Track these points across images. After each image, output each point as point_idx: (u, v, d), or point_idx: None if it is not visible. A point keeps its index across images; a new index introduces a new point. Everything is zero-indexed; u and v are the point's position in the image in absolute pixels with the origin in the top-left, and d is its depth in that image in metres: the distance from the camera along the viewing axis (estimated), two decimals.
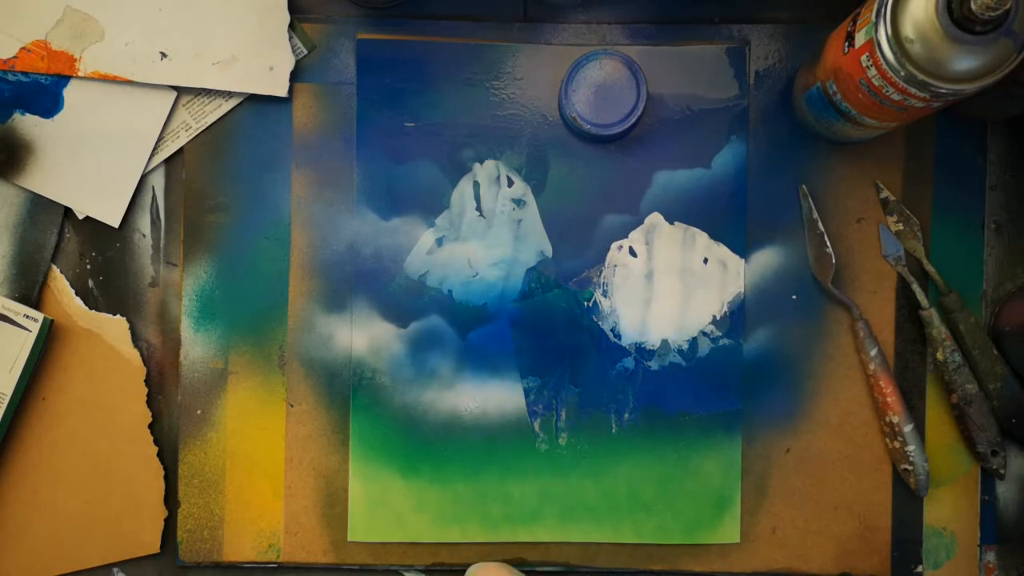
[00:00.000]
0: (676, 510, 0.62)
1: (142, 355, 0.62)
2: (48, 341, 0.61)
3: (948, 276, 0.62)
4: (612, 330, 0.62)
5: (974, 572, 0.62)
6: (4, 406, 0.60)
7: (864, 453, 0.62)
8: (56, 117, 0.61)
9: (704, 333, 0.62)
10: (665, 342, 0.62)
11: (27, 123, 0.61)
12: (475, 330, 0.62)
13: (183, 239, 0.62)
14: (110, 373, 0.62)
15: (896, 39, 0.46)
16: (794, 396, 0.62)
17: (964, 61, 0.45)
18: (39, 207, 0.62)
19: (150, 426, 0.62)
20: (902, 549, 0.62)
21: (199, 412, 0.62)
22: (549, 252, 0.62)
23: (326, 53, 0.62)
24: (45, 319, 0.60)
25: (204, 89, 0.61)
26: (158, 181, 0.63)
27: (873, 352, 0.60)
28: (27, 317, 0.60)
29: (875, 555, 0.62)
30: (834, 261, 0.61)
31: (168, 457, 0.62)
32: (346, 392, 0.62)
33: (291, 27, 0.61)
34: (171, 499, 0.62)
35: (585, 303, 0.62)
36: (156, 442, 0.62)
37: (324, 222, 0.62)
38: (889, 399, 0.60)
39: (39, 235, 0.62)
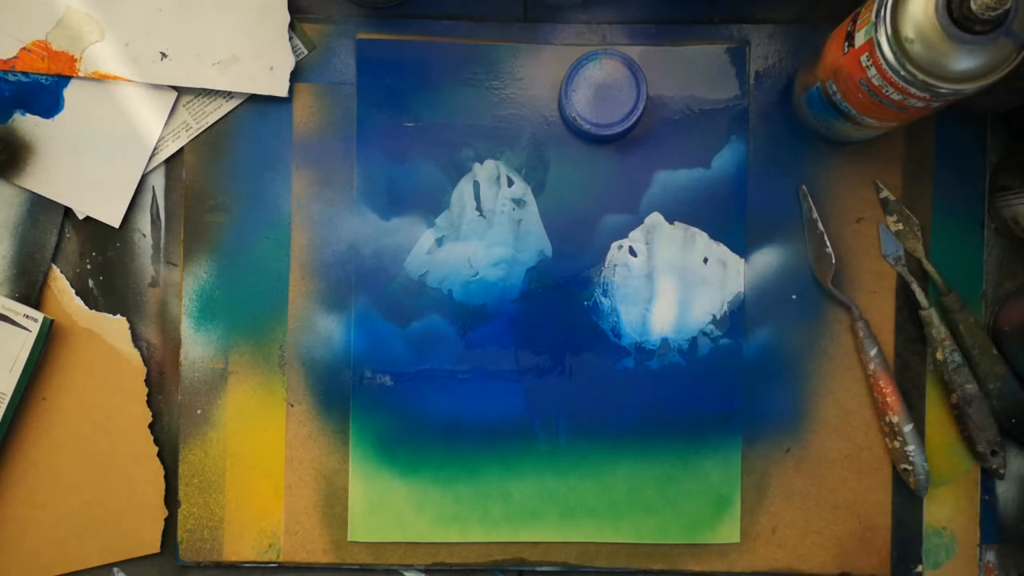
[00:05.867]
0: (676, 510, 0.62)
1: (142, 355, 0.62)
2: (48, 341, 0.61)
3: (948, 276, 0.62)
4: (612, 330, 0.62)
5: (974, 572, 0.62)
6: (4, 406, 0.60)
7: (864, 453, 0.62)
8: (56, 117, 0.61)
9: (704, 333, 0.62)
10: (665, 342, 0.62)
11: (27, 123, 0.61)
12: (475, 330, 0.62)
13: (183, 239, 0.62)
14: (110, 373, 0.62)
15: (896, 39, 0.46)
16: (794, 396, 0.62)
17: (964, 61, 0.45)
18: (39, 207, 0.62)
19: (150, 426, 0.62)
20: (902, 549, 0.62)
21: (199, 412, 0.62)
22: (549, 252, 0.62)
23: (326, 53, 0.62)
24: (45, 319, 0.60)
25: (204, 89, 0.61)
26: (158, 181, 0.63)
27: (873, 352, 0.60)
28: (27, 317, 0.60)
29: (875, 555, 0.62)
30: (834, 261, 0.61)
31: (168, 457, 0.62)
32: (346, 392, 0.62)
33: (291, 27, 0.61)
34: (171, 499, 0.62)
35: (585, 303, 0.62)
36: (156, 442, 0.62)
37: (324, 222, 0.62)
38: (889, 399, 0.60)
39: (39, 235, 0.62)
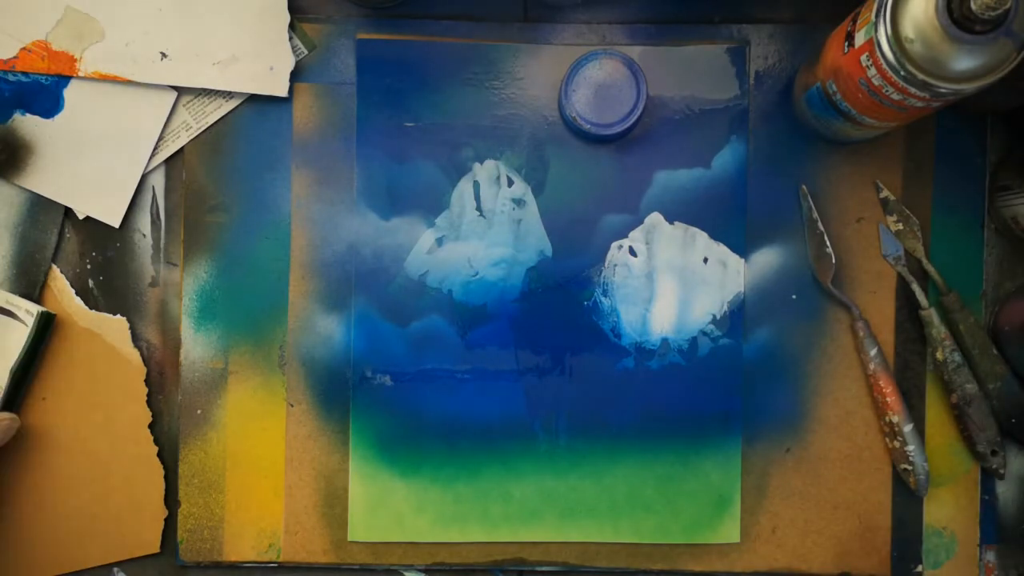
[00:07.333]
0: (676, 510, 0.62)
1: (142, 355, 0.62)
2: (48, 339, 0.61)
3: (948, 276, 0.62)
4: (612, 330, 0.62)
5: (974, 572, 0.62)
6: None
7: (864, 453, 0.62)
8: (56, 117, 0.61)
9: (704, 333, 0.62)
10: (665, 342, 0.62)
11: (27, 123, 0.61)
12: (475, 330, 0.62)
13: (183, 239, 0.62)
14: (110, 373, 0.62)
15: (896, 39, 0.46)
16: (794, 396, 0.62)
17: (964, 61, 0.45)
18: (39, 207, 0.62)
19: (150, 426, 0.62)
20: (902, 549, 0.62)
21: (199, 412, 0.62)
22: (549, 252, 0.62)
23: (326, 53, 0.62)
24: (41, 312, 0.60)
25: (204, 89, 0.61)
26: (158, 181, 0.63)
27: (873, 352, 0.60)
28: (28, 312, 0.60)
29: (875, 555, 0.62)
30: (834, 261, 0.61)
31: (168, 457, 0.62)
32: (346, 392, 0.62)
33: (291, 27, 0.61)
34: (171, 499, 0.62)
35: (585, 303, 0.62)
36: (156, 442, 0.62)
37: (324, 222, 0.62)
38: (889, 399, 0.60)
39: (39, 235, 0.62)
